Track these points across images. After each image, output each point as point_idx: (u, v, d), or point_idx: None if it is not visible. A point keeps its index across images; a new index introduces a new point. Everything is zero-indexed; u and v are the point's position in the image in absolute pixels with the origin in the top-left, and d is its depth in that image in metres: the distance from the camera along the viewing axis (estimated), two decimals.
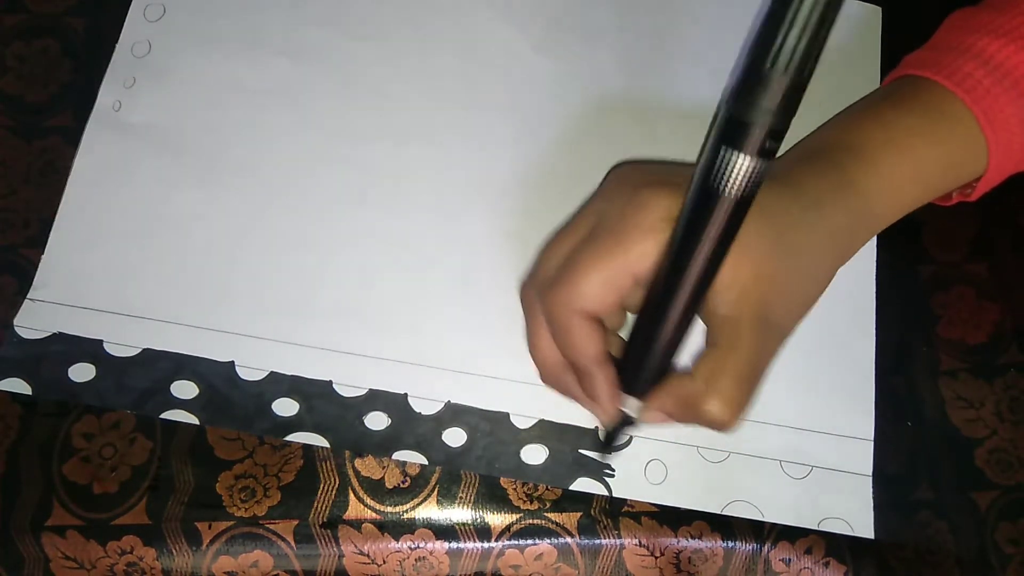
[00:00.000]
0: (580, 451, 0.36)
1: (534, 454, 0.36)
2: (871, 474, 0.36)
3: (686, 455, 0.37)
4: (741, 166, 0.26)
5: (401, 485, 0.36)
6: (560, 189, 0.40)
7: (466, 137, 0.40)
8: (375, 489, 0.36)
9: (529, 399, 0.37)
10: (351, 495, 0.35)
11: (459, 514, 0.36)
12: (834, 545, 0.36)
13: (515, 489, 0.36)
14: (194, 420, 0.36)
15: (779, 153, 0.28)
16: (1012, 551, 0.36)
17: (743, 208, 0.27)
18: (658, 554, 0.36)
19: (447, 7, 0.42)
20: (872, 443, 0.37)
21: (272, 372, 0.37)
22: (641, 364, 0.31)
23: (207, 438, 0.36)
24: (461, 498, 0.36)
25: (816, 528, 0.36)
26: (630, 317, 0.33)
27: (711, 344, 0.30)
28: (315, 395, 0.36)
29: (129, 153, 0.39)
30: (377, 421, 0.36)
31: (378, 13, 0.42)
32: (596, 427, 0.37)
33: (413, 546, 0.35)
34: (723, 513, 0.36)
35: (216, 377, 0.36)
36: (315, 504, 0.35)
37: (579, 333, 0.31)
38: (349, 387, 0.37)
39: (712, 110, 0.41)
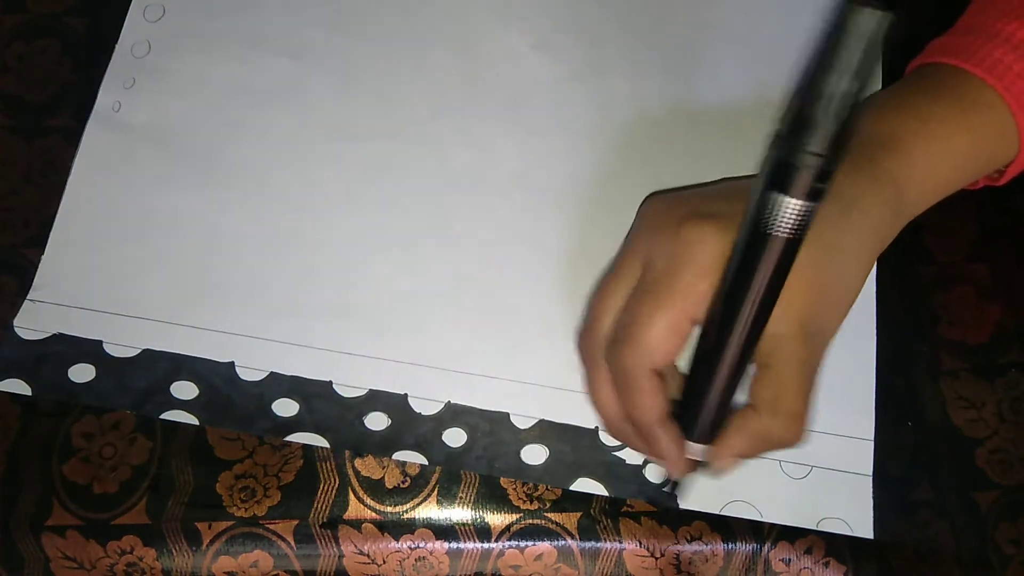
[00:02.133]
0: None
1: (534, 454, 0.36)
2: (871, 474, 0.36)
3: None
4: (792, 209, 0.26)
5: (401, 485, 0.36)
6: (561, 188, 0.40)
7: (466, 137, 0.40)
8: (375, 489, 0.36)
9: (529, 399, 0.37)
10: (351, 495, 0.35)
11: (459, 514, 0.36)
12: (834, 545, 0.36)
13: (515, 489, 0.36)
14: (194, 420, 0.36)
15: None
16: (1012, 551, 0.36)
17: (795, 248, 0.27)
18: (658, 555, 0.36)
19: (446, 7, 0.42)
20: (872, 443, 0.37)
21: (272, 372, 0.37)
22: (703, 409, 0.31)
23: (207, 438, 0.36)
24: (461, 498, 0.36)
25: (815, 528, 0.36)
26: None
27: (762, 365, 0.30)
28: (315, 395, 0.36)
29: (129, 153, 0.39)
30: (377, 421, 0.36)
31: (378, 13, 0.42)
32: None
33: (413, 546, 0.35)
34: (722, 513, 0.36)
35: (216, 377, 0.36)
36: (315, 504, 0.35)
37: (646, 392, 0.31)
38: (349, 387, 0.37)
39: (715, 108, 0.41)
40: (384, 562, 0.35)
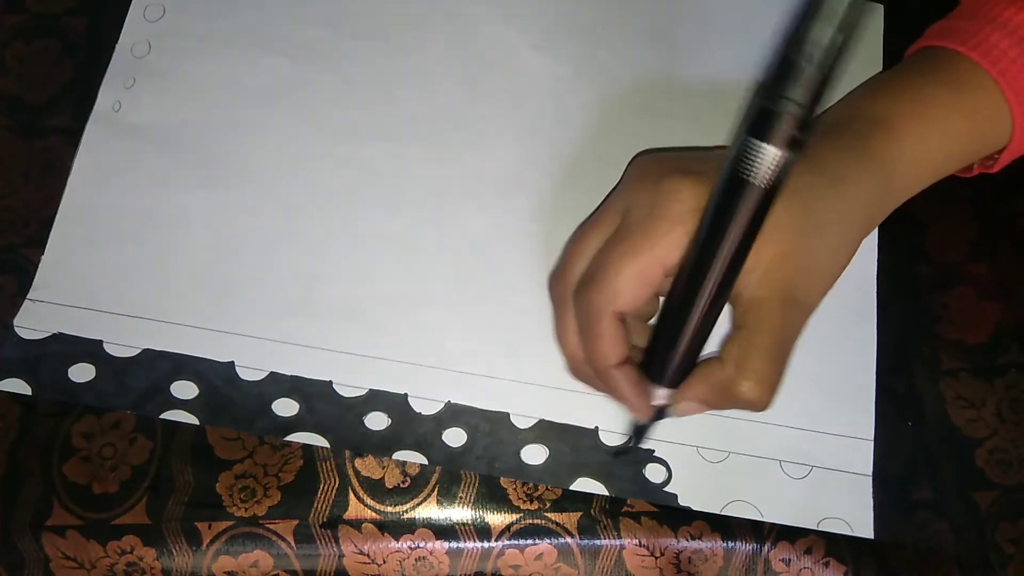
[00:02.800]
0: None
1: (534, 454, 0.36)
2: (871, 474, 0.36)
3: (686, 455, 0.37)
4: (769, 157, 0.26)
5: (401, 485, 0.36)
6: (561, 188, 0.40)
7: (466, 137, 0.40)
8: (375, 489, 0.36)
9: (529, 399, 0.37)
10: (351, 495, 0.35)
11: (459, 514, 0.36)
12: (834, 545, 0.36)
13: (515, 489, 0.36)
14: (194, 420, 0.36)
15: None
16: (1012, 551, 0.36)
17: (770, 198, 0.27)
18: (658, 554, 0.36)
19: (446, 7, 0.42)
20: (872, 443, 0.37)
21: (272, 372, 0.37)
22: (671, 354, 0.31)
23: (207, 438, 0.36)
24: (461, 498, 0.36)
25: (815, 528, 0.36)
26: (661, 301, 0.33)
27: (737, 326, 0.30)
28: (315, 395, 0.36)
29: (129, 153, 0.39)
30: (377, 421, 0.36)
31: (378, 13, 0.42)
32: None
33: (413, 546, 0.35)
34: (723, 513, 0.36)
35: (216, 377, 0.36)
36: (315, 504, 0.35)
37: (605, 335, 0.31)
38: (349, 387, 0.37)
39: (716, 108, 0.41)
40: (384, 562, 0.35)
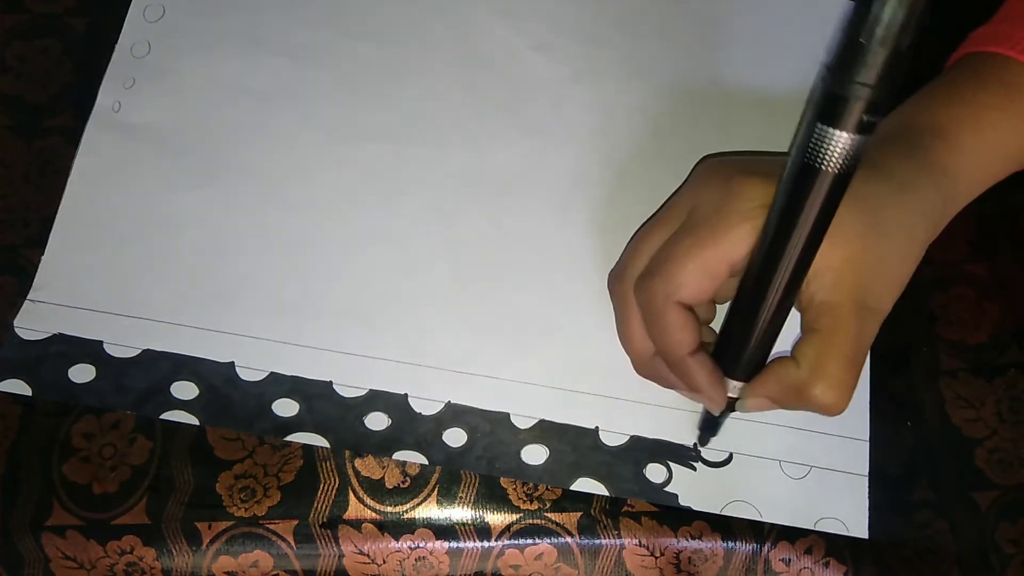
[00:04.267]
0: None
1: (535, 454, 0.36)
2: (867, 474, 0.36)
3: (687, 456, 0.37)
4: (840, 142, 0.26)
5: (401, 485, 0.36)
6: (561, 189, 0.40)
7: (466, 137, 0.40)
8: (375, 489, 0.36)
9: (529, 399, 0.37)
10: (351, 495, 0.35)
11: (459, 514, 0.36)
12: (834, 545, 0.36)
13: (515, 489, 0.36)
14: (194, 421, 0.36)
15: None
16: (1012, 551, 0.36)
17: (842, 185, 0.27)
18: (658, 554, 0.36)
19: (446, 7, 0.42)
20: (868, 444, 0.37)
21: (272, 372, 0.37)
22: (741, 350, 0.31)
23: (207, 438, 0.36)
24: (461, 498, 0.36)
25: (813, 528, 0.36)
26: (719, 310, 0.34)
27: (810, 329, 0.30)
28: (315, 395, 0.36)
29: (129, 154, 0.39)
30: (377, 421, 0.36)
31: (378, 13, 0.42)
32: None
33: (413, 546, 0.35)
34: (722, 513, 0.36)
35: (216, 378, 0.36)
36: (315, 504, 0.35)
37: (676, 324, 0.31)
38: (349, 387, 0.37)
39: (716, 108, 0.41)
40: (384, 562, 0.35)
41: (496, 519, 0.36)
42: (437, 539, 0.35)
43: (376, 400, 0.37)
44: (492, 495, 0.36)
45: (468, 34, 0.42)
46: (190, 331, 0.37)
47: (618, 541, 0.36)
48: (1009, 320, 0.39)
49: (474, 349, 0.37)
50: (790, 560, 0.36)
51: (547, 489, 0.36)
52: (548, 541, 0.35)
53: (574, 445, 0.36)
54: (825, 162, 0.26)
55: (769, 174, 0.30)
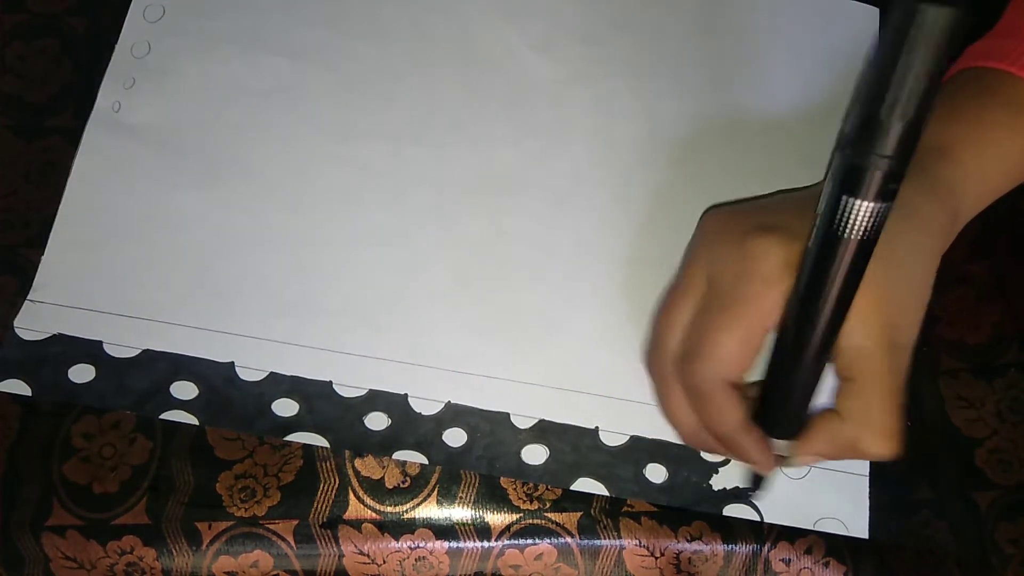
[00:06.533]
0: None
1: (535, 454, 0.36)
2: (868, 474, 0.36)
3: (687, 455, 0.37)
4: (865, 211, 0.26)
5: (401, 485, 0.36)
6: (560, 188, 0.40)
7: (465, 137, 0.40)
8: (375, 489, 0.36)
9: (529, 399, 0.37)
10: (351, 495, 0.35)
11: (459, 514, 0.36)
12: (834, 545, 0.36)
13: (515, 489, 0.36)
14: (194, 421, 0.36)
15: None
16: (1012, 551, 0.36)
17: (869, 248, 0.27)
18: (658, 554, 0.36)
19: (446, 7, 0.42)
20: None
21: (272, 373, 0.37)
22: (783, 410, 0.31)
23: (207, 438, 0.36)
24: (461, 498, 0.36)
25: (812, 528, 0.36)
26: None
27: (847, 378, 0.30)
28: (315, 395, 0.36)
29: (129, 154, 0.39)
30: (377, 421, 0.36)
31: (377, 13, 0.42)
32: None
33: (413, 546, 0.35)
34: (722, 514, 0.36)
35: (216, 378, 0.36)
36: (315, 504, 0.35)
37: (725, 404, 0.31)
38: (349, 387, 0.37)
39: (715, 106, 0.41)
40: (384, 562, 0.35)
41: (496, 519, 0.36)
42: (437, 539, 0.35)
43: (376, 400, 0.37)
44: (492, 495, 0.36)
45: (468, 34, 0.42)
46: (190, 331, 0.37)
47: (618, 541, 0.36)
48: (1009, 320, 0.39)
49: (474, 349, 0.37)
50: (790, 560, 0.36)
51: (547, 489, 0.36)
52: (548, 541, 0.36)
53: (574, 445, 0.36)
54: (852, 230, 0.27)
55: (784, 227, 0.30)
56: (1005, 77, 0.34)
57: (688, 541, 0.36)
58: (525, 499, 0.36)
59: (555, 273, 0.39)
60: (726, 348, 0.30)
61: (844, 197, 0.26)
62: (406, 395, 0.37)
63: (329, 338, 0.37)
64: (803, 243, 0.29)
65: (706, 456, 0.37)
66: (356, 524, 0.35)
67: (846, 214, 0.27)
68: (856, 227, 0.27)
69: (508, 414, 0.37)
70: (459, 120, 0.41)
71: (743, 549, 0.36)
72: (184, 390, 0.36)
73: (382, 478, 0.36)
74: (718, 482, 0.36)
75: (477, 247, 0.39)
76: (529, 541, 0.35)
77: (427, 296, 0.38)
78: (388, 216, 0.39)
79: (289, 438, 0.36)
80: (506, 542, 0.35)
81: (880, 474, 0.36)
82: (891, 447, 0.30)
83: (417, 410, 0.37)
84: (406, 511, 0.35)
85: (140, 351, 0.37)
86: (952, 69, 0.36)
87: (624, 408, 0.37)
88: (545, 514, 0.36)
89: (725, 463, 0.37)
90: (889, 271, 0.30)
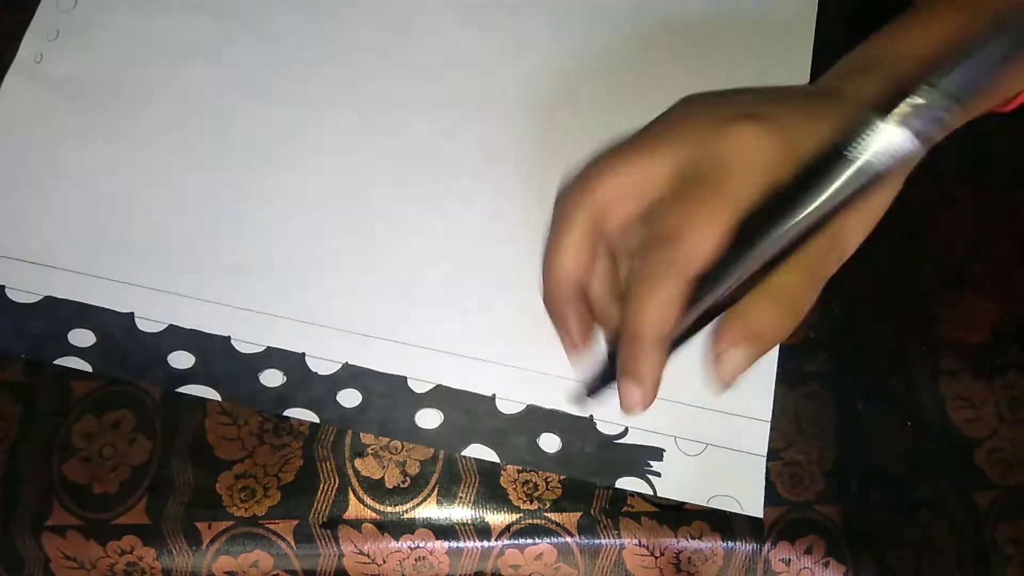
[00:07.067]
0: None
1: (428, 418, 0.36)
2: (765, 454, 0.36)
3: (582, 427, 0.36)
4: (894, 141, 0.26)
5: (401, 485, 0.36)
6: (475, 158, 0.40)
7: (386, 103, 0.41)
8: (375, 489, 0.36)
9: (428, 364, 0.37)
10: (351, 495, 0.35)
11: (459, 514, 0.36)
12: (834, 545, 0.36)
13: (515, 489, 0.36)
14: (88, 367, 0.36)
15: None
16: (1012, 551, 0.36)
17: (878, 181, 0.27)
18: (658, 554, 0.36)
19: None
20: (769, 424, 0.36)
21: (171, 325, 0.37)
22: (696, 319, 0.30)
23: (207, 438, 0.36)
24: (461, 498, 0.36)
25: (706, 505, 0.35)
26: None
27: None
28: (212, 350, 0.37)
29: (47, 104, 0.40)
30: (272, 378, 0.36)
31: None
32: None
33: (413, 546, 0.35)
34: (615, 487, 0.35)
35: (115, 327, 0.37)
36: (315, 504, 0.35)
37: (675, 302, 0.28)
38: (247, 343, 0.37)
39: (635, 77, 0.41)
40: (384, 562, 0.35)
41: (496, 519, 0.36)
42: (437, 539, 0.35)
43: (273, 357, 0.37)
44: (492, 495, 0.36)
45: (396, 3, 0.42)
46: (93, 280, 0.37)
47: (618, 541, 0.36)
48: (1009, 320, 0.39)
49: (376, 312, 0.37)
50: (790, 560, 0.36)
51: (547, 489, 0.36)
52: (548, 541, 0.36)
53: (469, 411, 0.36)
54: (871, 156, 0.26)
55: (767, 116, 0.29)
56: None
57: (688, 540, 0.36)
58: (525, 499, 0.36)
59: (461, 239, 0.39)
60: (704, 241, 0.28)
61: (877, 121, 0.26)
62: (303, 354, 0.37)
63: (231, 294, 0.37)
64: (788, 135, 0.28)
65: (602, 428, 0.36)
66: (356, 524, 0.35)
67: (870, 137, 0.26)
68: (877, 157, 0.26)
69: (405, 378, 0.37)
70: (381, 86, 0.41)
71: (743, 548, 0.36)
72: (82, 338, 0.37)
73: (382, 478, 0.36)
74: (612, 455, 0.36)
75: (384, 211, 0.39)
76: (529, 541, 0.35)
77: (332, 257, 0.38)
78: (299, 177, 0.39)
79: (181, 390, 0.36)
80: (506, 542, 0.35)
81: (880, 473, 0.36)
82: (789, 320, 0.29)
83: (313, 369, 0.37)
84: (406, 511, 0.35)
85: (42, 297, 0.37)
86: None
87: (523, 377, 0.37)
88: (545, 514, 0.36)
89: (622, 435, 0.36)
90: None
